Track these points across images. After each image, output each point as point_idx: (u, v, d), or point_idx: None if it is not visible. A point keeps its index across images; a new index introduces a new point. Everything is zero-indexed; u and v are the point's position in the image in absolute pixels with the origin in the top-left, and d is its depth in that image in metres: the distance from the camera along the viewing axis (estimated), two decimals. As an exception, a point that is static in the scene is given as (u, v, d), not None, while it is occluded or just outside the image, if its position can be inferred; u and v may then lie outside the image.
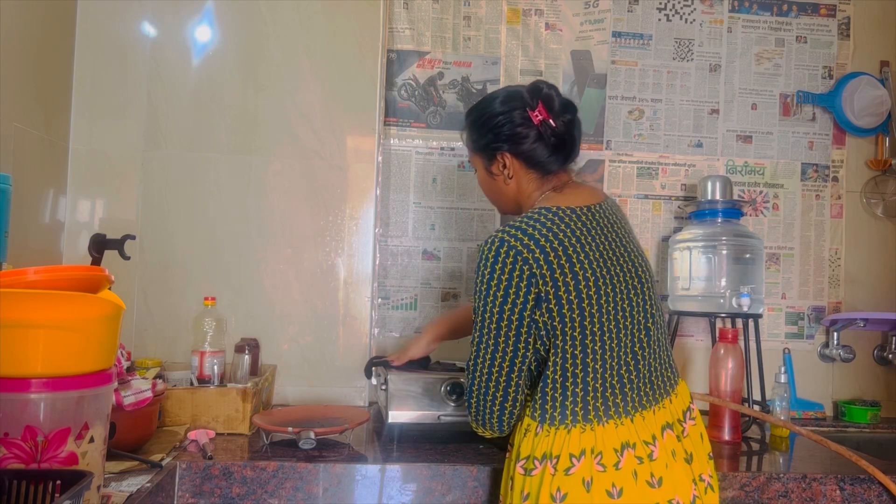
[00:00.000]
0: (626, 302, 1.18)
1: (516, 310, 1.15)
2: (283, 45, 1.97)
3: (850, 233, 2.23)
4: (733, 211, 1.98)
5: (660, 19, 2.19)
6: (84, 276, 1.04)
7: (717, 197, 1.99)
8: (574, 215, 1.20)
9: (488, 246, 1.17)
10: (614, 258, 1.20)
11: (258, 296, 1.94)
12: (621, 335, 1.17)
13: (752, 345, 1.88)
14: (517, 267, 1.14)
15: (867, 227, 2.24)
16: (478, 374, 1.19)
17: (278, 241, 1.95)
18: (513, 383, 1.18)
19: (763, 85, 2.22)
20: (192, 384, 1.66)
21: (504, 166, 1.29)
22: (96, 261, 1.67)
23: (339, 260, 1.98)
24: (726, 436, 1.72)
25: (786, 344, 2.17)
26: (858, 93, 2.19)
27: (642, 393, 1.17)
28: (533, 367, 1.20)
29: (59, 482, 0.88)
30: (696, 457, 1.19)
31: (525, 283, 1.14)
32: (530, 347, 1.17)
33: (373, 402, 1.96)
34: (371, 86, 1.99)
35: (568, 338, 1.14)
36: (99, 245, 1.68)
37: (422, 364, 1.65)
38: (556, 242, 1.15)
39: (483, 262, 1.17)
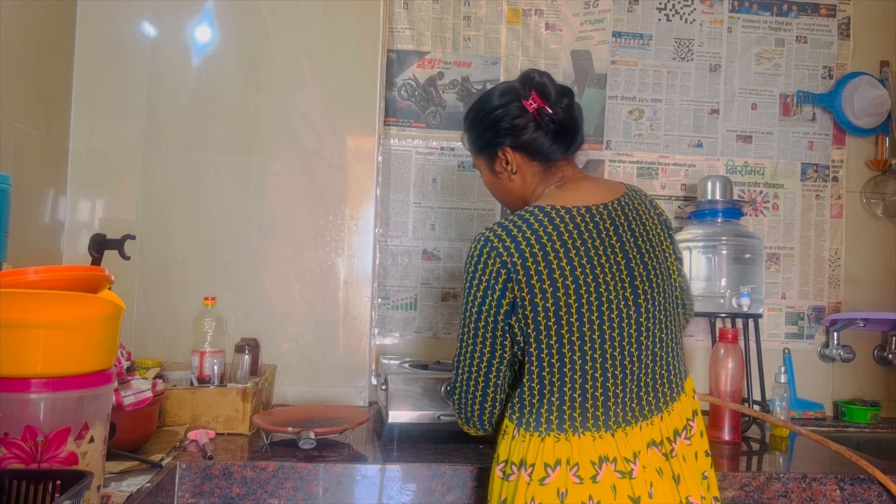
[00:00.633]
0: (615, 312, 1.13)
1: (492, 312, 1.14)
2: (283, 45, 1.97)
3: (850, 233, 2.23)
4: (733, 211, 1.98)
5: (660, 19, 2.19)
6: (84, 276, 1.04)
7: (717, 197, 1.99)
8: (568, 216, 1.15)
9: (475, 244, 1.16)
10: (607, 265, 1.14)
11: (258, 296, 1.94)
12: (605, 346, 1.12)
13: (752, 345, 1.88)
14: (495, 269, 1.13)
15: (867, 227, 2.24)
16: (460, 371, 1.20)
17: (278, 241, 1.95)
18: (491, 383, 1.18)
19: (763, 85, 2.22)
20: (192, 384, 1.66)
21: (507, 162, 1.27)
22: (96, 261, 1.67)
23: (339, 260, 1.98)
24: (726, 436, 1.72)
25: (786, 344, 2.17)
26: (858, 93, 2.19)
27: (628, 408, 1.13)
28: (515, 368, 1.19)
29: (59, 482, 0.88)
30: (684, 478, 1.14)
31: (500, 286, 1.12)
32: (507, 350, 1.16)
33: (373, 402, 1.96)
34: (371, 86, 1.99)
35: (544, 346, 1.12)
36: (99, 245, 1.68)
37: (421, 364, 1.66)
38: (538, 247, 1.12)
39: (469, 259, 1.17)
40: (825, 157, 2.23)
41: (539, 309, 1.11)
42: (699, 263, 1.93)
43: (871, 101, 2.19)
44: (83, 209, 1.89)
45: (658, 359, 1.18)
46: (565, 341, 1.11)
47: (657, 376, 1.17)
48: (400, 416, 1.53)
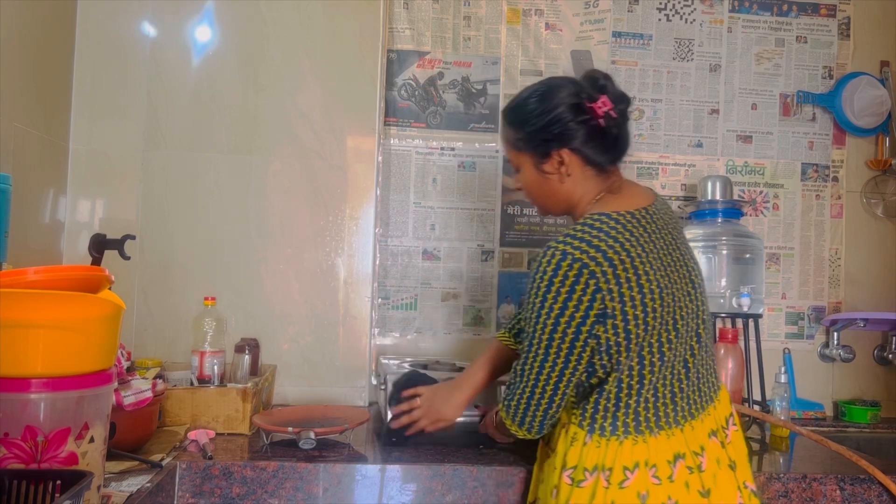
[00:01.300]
0: (684, 310, 1.14)
1: (573, 323, 1.09)
2: (283, 45, 1.97)
3: (850, 233, 2.23)
4: (733, 211, 1.98)
5: (660, 19, 2.19)
6: (84, 276, 1.04)
7: (717, 197, 1.99)
8: (634, 220, 1.14)
9: (547, 258, 1.10)
10: (672, 264, 1.15)
11: (258, 296, 1.94)
12: (674, 344, 1.13)
13: (752, 345, 1.88)
14: (581, 280, 1.08)
15: (867, 227, 2.24)
16: (524, 378, 1.16)
17: (278, 241, 1.95)
18: (559, 392, 1.15)
19: (763, 85, 2.22)
20: (192, 384, 1.66)
21: (561, 163, 1.20)
22: (96, 261, 1.67)
23: (339, 260, 1.98)
24: (726, 436, 1.72)
25: (786, 344, 2.17)
26: (858, 93, 2.19)
27: (691, 401, 1.15)
28: (583, 379, 1.16)
29: (59, 482, 0.88)
30: (738, 464, 1.17)
31: (589, 297, 1.08)
32: (583, 361, 1.12)
33: (373, 403, 1.96)
34: (371, 86, 1.99)
35: (632, 353, 1.10)
36: (99, 245, 1.68)
37: (421, 364, 1.65)
38: (624, 254, 1.09)
39: (540, 273, 1.11)
40: (825, 157, 2.23)
41: (629, 318, 1.09)
42: (699, 263, 1.92)
43: (871, 101, 2.19)
44: (83, 209, 1.89)
45: (708, 349, 1.21)
46: (645, 345, 1.11)
47: (709, 366, 1.20)
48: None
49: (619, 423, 1.11)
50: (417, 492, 1.38)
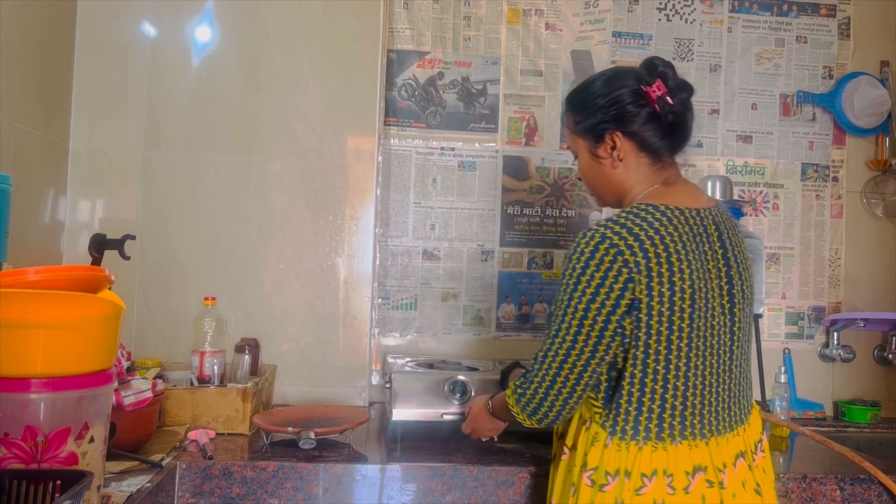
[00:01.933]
0: (717, 319, 1.11)
1: (604, 311, 1.07)
2: (283, 45, 1.97)
3: (850, 233, 2.23)
4: (733, 211, 1.97)
5: (660, 19, 2.19)
6: (84, 276, 1.04)
7: (718, 197, 1.99)
8: (682, 217, 1.12)
9: (586, 240, 1.08)
10: (714, 271, 1.12)
11: (258, 296, 1.94)
12: (706, 353, 1.10)
13: (753, 345, 1.88)
14: (615, 267, 1.06)
15: (867, 227, 2.24)
16: (546, 365, 1.12)
17: (278, 241, 1.95)
18: (582, 382, 1.11)
19: (763, 85, 2.22)
20: (192, 384, 1.66)
21: (613, 147, 1.19)
22: (96, 261, 1.67)
23: (339, 260, 1.98)
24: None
25: (786, 344, 2.17)
26: (858, 93, 2.19)
27: (720, 417, 1.12)
28: (604, 370, 1.13)
29: (59, 482, 0.88)
30: (765, 491, 1.14)
31: (621, 285, 1.06)
32: (610, 351, 1.10)
33: (373, 402, 1.96)
34: (371, 86, 1.99)
35: (652, 351, 1.08)
36: (99, 245, 1.69)
37: (427, 363, 1.66)
38: (662, 247, 1.07)
39: (577, 255, 1.09)
40: (825, 157, 2.23)
41: (654, 313, 1.07)
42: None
43: (871, 101, 2.19)
44: (83, 209, 1.89)
45: (742, 370, 1.18)
46: (673, 347, 1.08)
47: (742, 386, 1.17)
48: (403, 413, 1.53)
49: (640, 428, 1.09)
50: (417, 492, 1.38)
